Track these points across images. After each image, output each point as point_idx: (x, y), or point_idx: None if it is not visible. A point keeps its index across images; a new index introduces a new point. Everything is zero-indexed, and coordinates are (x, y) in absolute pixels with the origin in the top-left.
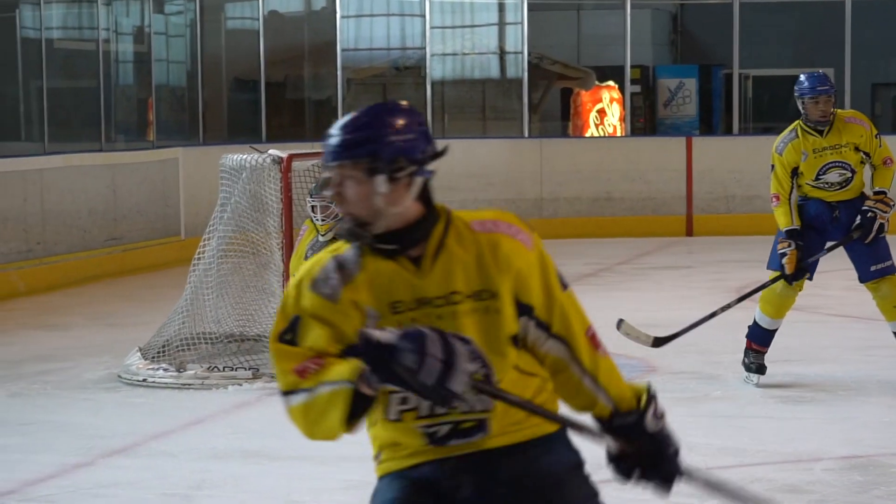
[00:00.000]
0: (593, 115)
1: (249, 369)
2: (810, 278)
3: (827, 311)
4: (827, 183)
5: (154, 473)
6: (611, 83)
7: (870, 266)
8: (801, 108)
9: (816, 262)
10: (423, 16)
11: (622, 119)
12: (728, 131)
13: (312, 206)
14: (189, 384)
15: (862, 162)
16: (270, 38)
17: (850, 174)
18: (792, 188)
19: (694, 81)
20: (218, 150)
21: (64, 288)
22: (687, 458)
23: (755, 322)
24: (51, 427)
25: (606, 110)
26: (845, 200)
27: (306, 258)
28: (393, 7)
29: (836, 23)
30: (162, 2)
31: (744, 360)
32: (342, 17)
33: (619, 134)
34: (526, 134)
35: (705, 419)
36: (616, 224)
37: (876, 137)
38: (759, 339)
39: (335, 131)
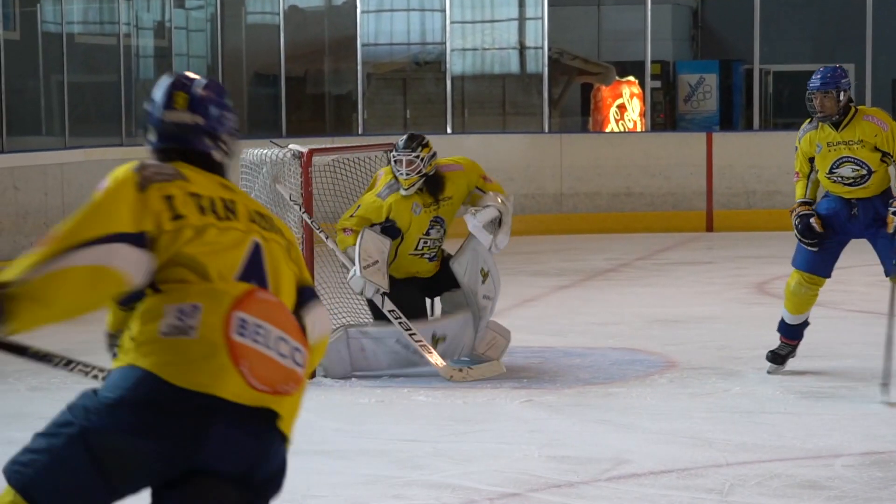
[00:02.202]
0: (613, 110)
1: None
2: (828, 276)
3: (849, 306)
4: (841, 177)
5: None
6: (631, 78)
7: (893, 260)
8: (808, 103)
9: (834, 261)
10: (444, 11)
11: (642, 114)
12: (748, 127)
13: (398, 160)
14: None
15: (883, 160)
16: (291, 32)
17: (864, 171)
18: (811, 170)
19: (714, 77)
20: (238, 145)
21: None
22: (706, 454)
23: (781, 318)
24: None
25: (626, 105)
26: (864, 198)
27: (380, 196)
28: (413, 2)
29: (856, 18)
30: None
31: (773, 350)
32: (362, 11)
33: (639, 129)
34: (546, 129)
35: (725, 415)
36: (636, 219)
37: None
38: (785, 332)
39: None
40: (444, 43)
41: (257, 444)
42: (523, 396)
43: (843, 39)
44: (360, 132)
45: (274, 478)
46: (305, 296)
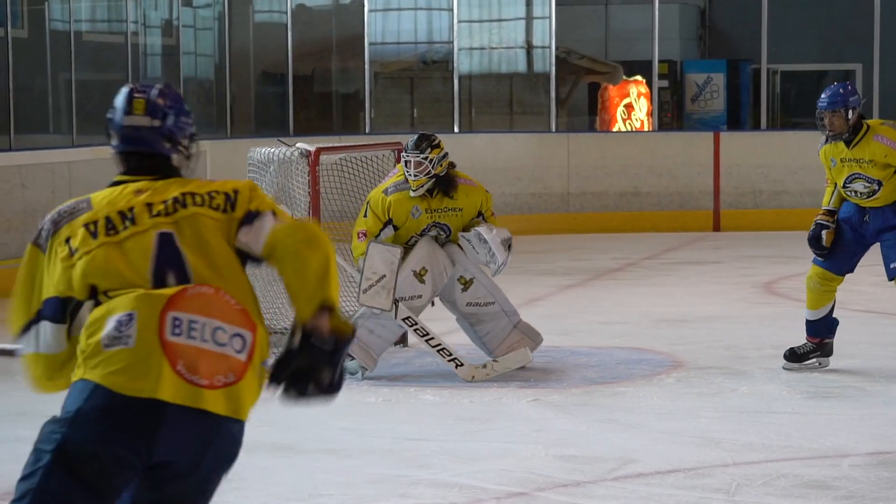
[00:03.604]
0: (621, 109)
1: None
2: (851, 270)
3: (856, 306)
4: (854, 191)
5: None
6: (638, 78)
7: (890, 264)
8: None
9: (851, 261)
10: (451, 10)
11: (649, 114)
12: (756, 126)
13: (406, 162)
14: None
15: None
16: (298, 31)
17: (875, 186)
18: (834, 191)
19: (722, 76)
20: (245, 144)
21: None
22: (713, 453)
23: (805, 318)
24: None
25: (634, 105)
26: (876, 207)
27: (386, 192)
28: (421, 1)
29: (864, 18)
30: None
31: (806, 351)
32: (370, 10)
33: (646, 129)
34: (553, 128)
35: (732, 414)
36: (643, 219)
37: None
38: (808, 330)
39: None
40: (452, 42)
41: (204, 438)
42: (530, 396)
43: (850, 39)
44: (367, 131)
45: (225, 458)
46: (246, 219)
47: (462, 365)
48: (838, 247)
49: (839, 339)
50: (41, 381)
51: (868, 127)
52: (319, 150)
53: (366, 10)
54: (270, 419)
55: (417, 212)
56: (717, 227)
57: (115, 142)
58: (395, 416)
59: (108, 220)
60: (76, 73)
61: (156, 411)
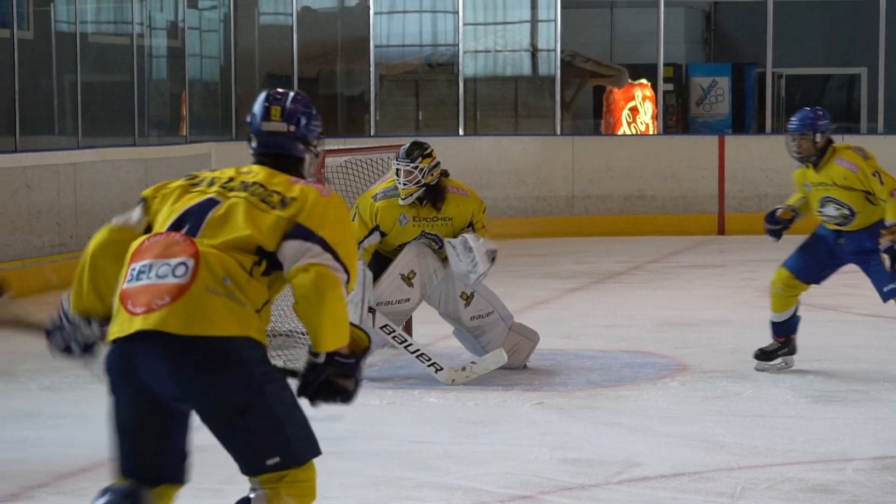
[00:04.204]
0: (625, 113)
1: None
2: (817, 282)
3: (859, 310)
4: (827, 216)
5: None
6: (643, 81)
7: (883, 288)
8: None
9: (819, 272)
10: (456, 12)
11: (654, 117)
12: (760, 130)
13: (397, 170)
14: None
15: (869, 200)
16: (303, 33)
17: (847, 211)
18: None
19: (727, 80)
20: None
21: None
22: (718, 457)
23: (770, 319)
24: (83, 421)
25: (639, 108)
26: (850, 231)
27: (374, 198)
28: (426, 4)
29: (869, 21)
30: None
31: (773, 350)
32: (375, 13)
33: (651, 132)
34: (558, 131)
35: (736, 418)
36: (647, 222)
37: (874, 175)
38: (775, 331)
39: None
40: (457, 45)
41: (170, 358)
42: (534, 399)
43: (855, 43)
44: (372, 133)
45: (211, 369)
46: (290, 234)
47: (442, 369)
48: (811, 254)
49: (844, 344)
50: None
51: (834, 150)
52: (325, 153)
53: (371, 12)
54: None
55: (405, 219)
56: (721, 231)
57: (254, 144)
58: (399, 418)
59: (201, 179)
60: (81, 75)
61: (127, 348)
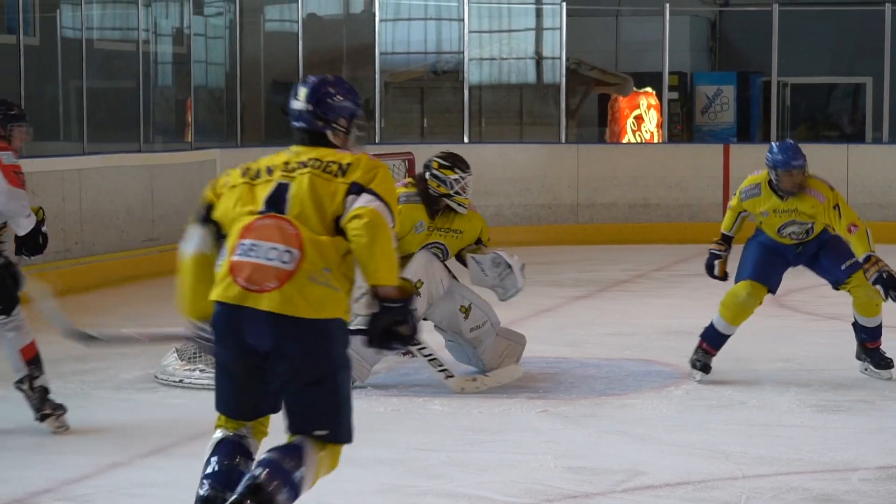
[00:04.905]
0: (630, 121)
1: None
2: (774, 289)
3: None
4: (791, 233)
5: (191, 474)
6: (648, 89)
7: (841, 265)
8: (773, 176)
9: (780, 279)
10: (462, 20)
11: (659, 125)
12: (765, 139)
13: (463, 183)
14: None
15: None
16: (309, 40)
17: (810, 227)
18: (735, 222)
19: (732, 88)
20: (255, 152)
21: (101, 288)
22: (722, 466)
23: (711, 324)
24: (88, 427)
25: (644, 116)
26: (807, 241)
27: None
28: (431, 11)
29: (874, 31)
30: (201, 3)
31: (692, 357)
32: (380, 20)
33: (656, 140)
34: (563, 139)
35: (741, 427)
36: (652, 230)
37: (834, 209)
38: (712, 340)
39: None
40: (462, 52)
41: (271, 329)
42: (539, 407)
43: (860, 52)
44: (377, 141)
45: (303, 343)
46: (350, 190)
47: (452, 376)
48: (765, 261)
49: (848, 352)
50: None
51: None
52: None
53: (376, 19)
54: (278, 429)
55: (421, 227)
56: None
57: (291, 119)
58: (403, 425)
59: (261, 169)
60: (87, 81)
61: (235, 311)
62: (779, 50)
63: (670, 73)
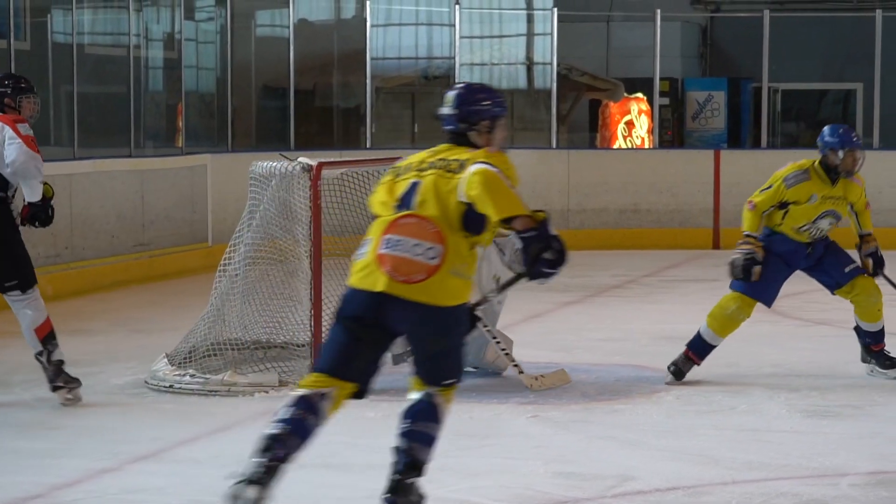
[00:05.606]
0: (621, 126)
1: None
2: (769, 305)
3: (853, 324)
4: (818, 229)
5: (181, 479)
6: (639, 95)
7: (846, 268)
8: (833, 158)
9: (777, 293)
10: (453, 25)
11: (650, 131)
12: (756, 145)
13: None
14: (216, 391)
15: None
16: (300, 45)
17: (836, 222)
18: (767, 211)
19: (723, 94)
20: (246, 157)
21: (91, 293)
22: (712, 471)
23: (699, 333)
24: (78, 432)
25: (635, 122)
26: (818, 241)
27: None
28: (422, 16)
29: (865, 37)
30: (192, 8)
31: (672, 361)
32: (372, 25)
33: (646, 146)
34: (554, 145)
35: (731, 432)
36: (643, 236)
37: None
38: (698, 350)
39: None
40: (453, 57)
41: (414, 316)
42: (529, 412)
43: (852, 59)
44: (368, 146)
45: (436, 327)
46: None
47: (523, 372)
48: (769, 278)
49: (837, 359)
50: None
51: None
52: (322, 165)
53: (367, 25)
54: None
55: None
56: (716, 245)
57: (443, 124)
58: (394, 431)
59: (402, 167)
60: (78, 86)
61: (378, 297)
62: (770, 56)
63: (661, 79)
